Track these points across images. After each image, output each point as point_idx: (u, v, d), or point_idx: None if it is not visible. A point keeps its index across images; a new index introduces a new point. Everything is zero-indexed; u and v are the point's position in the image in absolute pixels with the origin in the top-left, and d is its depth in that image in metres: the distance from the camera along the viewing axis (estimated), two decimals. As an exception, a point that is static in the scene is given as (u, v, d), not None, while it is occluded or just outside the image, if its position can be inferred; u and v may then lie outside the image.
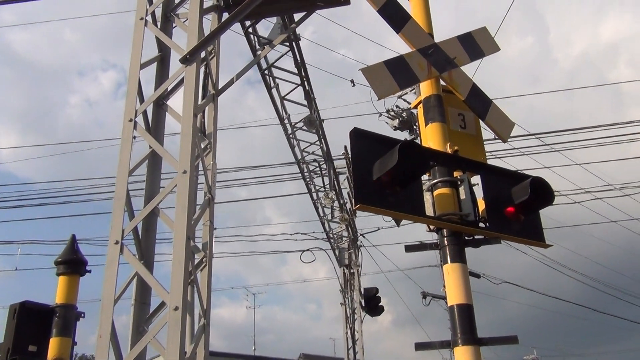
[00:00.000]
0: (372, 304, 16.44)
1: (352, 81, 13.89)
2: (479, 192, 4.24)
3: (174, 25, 5.73)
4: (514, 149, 15.60)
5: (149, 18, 5.35)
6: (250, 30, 8.46)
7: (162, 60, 5.58)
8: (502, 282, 18.72)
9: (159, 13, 5.66)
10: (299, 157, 13.22)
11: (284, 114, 11.60)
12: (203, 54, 5.39)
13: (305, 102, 11.38)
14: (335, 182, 14.88)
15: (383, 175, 3.72)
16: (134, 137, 4.90)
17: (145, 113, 5.11)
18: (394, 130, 16.07)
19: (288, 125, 11.87)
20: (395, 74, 4.35)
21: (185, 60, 4.92)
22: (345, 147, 15.54)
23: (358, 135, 3.88)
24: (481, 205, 4.21)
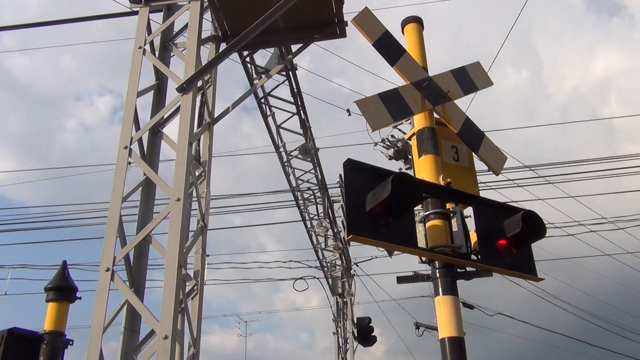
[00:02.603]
0: (365, 334, 16.30)
1: (348, 110, 13.96)
2: (472, 224, 4.27)
3: (171, 54, 5.80)
4: (508, 180, 15.72)
5: (147, 47, 5.42)
6: (247, 59, 8.57)
7: (159, 88, 5.64)
8: (496, 314, 18.61)
9: (157, 42, 5.74)
10: (294, 185, 13.24)
11: (280, 142, 11.65)
12: (200, 83, 5.45)
13: (300, 131, 11.45)
14: (330, 210, 14.89)
15: (376, 206, 3.74)
16: (129, 164, 4.93)
17: (140, 140, 5.14)
18: (389, 159, 16.15)
19: (283, 154, 11.92)
20: (390, 106, 4.41)
21: (182, 89, 4.97)
22: (340, 175, 15.59)
23: (352, 166, 3.91)
24: (473, 237, 4.23)
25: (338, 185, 15.27)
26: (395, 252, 5.13)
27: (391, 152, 16.00)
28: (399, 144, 14.99)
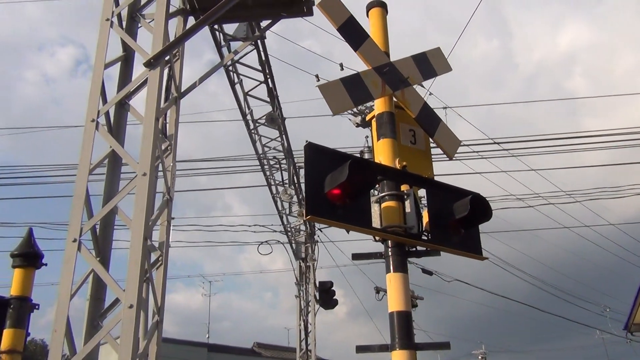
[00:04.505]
0: (327, 297, 16.77)
1: (316, 76, 14.07)
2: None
3: (139, 25, 5.82)
4: (473, 152, 16.18)
5: (115, 19, 5.43)
6: (215, 26, 8.57)
7: (126, 60, 5.67)
8: (453, 280, 19.33)
9: (124, 13, 5.73)
10: (260, 152, 13.38)
11: (247, 110, 11.73)
12: (167, 57, 5.50)
13: (268, 99, 11.54)
14: (295, 177, 15.10)
15: (334, 188, 3.95)
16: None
17: (107, 113, 5.22)
18: (357, 127, 16.41)
19: (250, 122, 12.01)
20: (351, 91, 4.59)
21: (150, 65, 5.04)
22: (307, 141, 15.73)
23: (312, 150, 4.09)
24: (426, 218, 4.50)
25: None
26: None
27: (358, 119, 16.26)
28: (367, 112, 15.25)
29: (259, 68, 10.65)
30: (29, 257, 5.39)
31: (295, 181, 15.17)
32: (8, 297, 5.37)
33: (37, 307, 5.65)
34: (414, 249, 4.43)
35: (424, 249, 4.46)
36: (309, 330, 17.51)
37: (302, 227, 17.44)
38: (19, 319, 5.28)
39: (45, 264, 5.57)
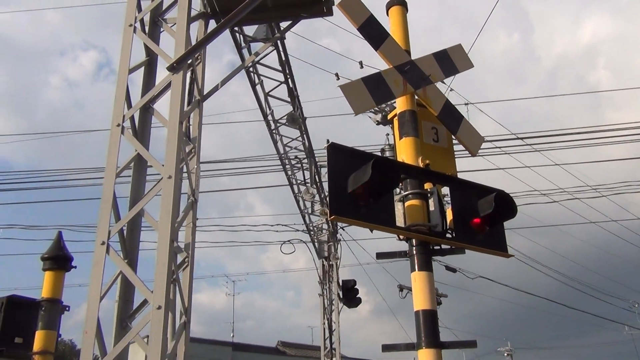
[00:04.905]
0: (350, 296, 16.78)
1: (336, 74, 14.04)
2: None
3: (161, 29, 5.90)
4: (496, 147, 16.03)
5: (138, 25, 5.51)
6: (235, 28, 8.63)
7: (149, 64, 5.75)
8: (477, 277, 19.19)
9: (147, 18, 5.82)
10: (282, 151, 13.43)
11: (267, 110, 11.79)
12: (189, 60, 5.57)
13: (288, 99, 11.58)
14: (317, 176, 15.13)
15: (357, 188, 3.96)
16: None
17: (132, 118, 5.30)
18: (377, 124, 16.36)
19: (271, 122, 12.07)
20: (372, 90, 4.59)
21: (173, 69, 5.10)
22: (328, 140, 15.76)
23: (334, 150, 4.12)
24: (450, 216, 4.49)
25: (326, 150, 15.44)
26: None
27: (379, 117, 16.20)
28: (387, 109, 15.19)
29: (279, 68, 10.69)
30: (59, 260, 5.52)
31: (317, 180, 15.20)
32: (39, 299, 5.51)
33: (67, 308, 5.78)
34: (439, 247, 4.42)
35: (449, 247, 4.45)
36: (333, 329, 17.54)
37: (325, 226, 17.47)
38: (51, 321, 5.41)
39: (75, 267, 5.69)
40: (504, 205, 4.37)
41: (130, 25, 5.43)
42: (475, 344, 4.09)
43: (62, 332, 5.69)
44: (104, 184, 4.86)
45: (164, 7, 5.94)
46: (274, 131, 12.48)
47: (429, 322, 4.00)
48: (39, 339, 5.27)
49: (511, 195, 4.51)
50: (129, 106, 5.23)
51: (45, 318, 5.36)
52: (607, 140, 15.94)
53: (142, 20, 5.67)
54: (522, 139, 16.08)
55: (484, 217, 4.41)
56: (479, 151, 5.35)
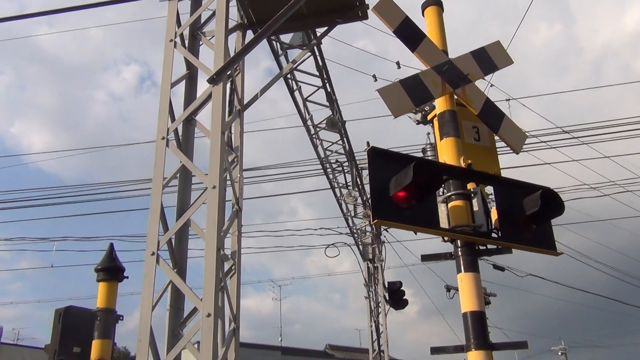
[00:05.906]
0: (396, 298, 16.68)
1: (374, 76, 14.00)
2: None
3: (200, 43, 6.04)
4: (542, 142, 15.65)
5: (178, 39, 5.66)
6: (272, 36, 8.74)
7: (190, 77, 5.89)
8: (527, 275, 18.77)
9: (186, 32, 5.97)
10: (322, 155, 13.50)
11: (307, 115, 11.87)
12: (229, 72, 5.68)
13: (327, 103, 11.64)
14: (358, 179, 15.13)
15: (399, 191, 3.97)
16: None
17: (176, 130, 5.44)
18: (417, 124, 16.23)
19: (311, 127, 12.15)
20: (411, 92, 4.58)
21: (213, 81, 5.21)
22: (368, 142, 15.75)
23: (375, 154, 4.13)
24: (494, 215, 4.43)
25: (366, 152, 15.43)
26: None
27: (419, 116, 16.06)
28: (427, 109, 15.04)
29: (317, 73, 10.76)
30: (111, 271, 5.70)
31: (359, 183, 15.20)
32: (95, 309, 5.71)
33: (121, 318, 5.96)
34: (484, 247, 4.37)
35: (495, 247, 4.39)
36: (380, 331, 17.48)
37: (368, 229, 17.43)
38: (106, 330, 5.60)
39: (127, 277, 5.87)
40: (551, 202, 4.29)
41: (171, 40, 5.58)
42: (526, 344, 4.02)
43: (116, 340, 5.87)
44: (152, 195, 5.00)
45: (202, 20, 6.08)
46: (314, 136, 12.56)
47: (477, 324, 3.96)
48: (95, 348, 5.45)
49: (559, 190, 4.42)
50: (173, 119, 5.37)
51: (100, 328, 5.55)
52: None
53: (181, 35, 5.82)
54: (568, 132, 15.65)
55: (530, 216, 4.33)
56: (523, 146, 5.26)
